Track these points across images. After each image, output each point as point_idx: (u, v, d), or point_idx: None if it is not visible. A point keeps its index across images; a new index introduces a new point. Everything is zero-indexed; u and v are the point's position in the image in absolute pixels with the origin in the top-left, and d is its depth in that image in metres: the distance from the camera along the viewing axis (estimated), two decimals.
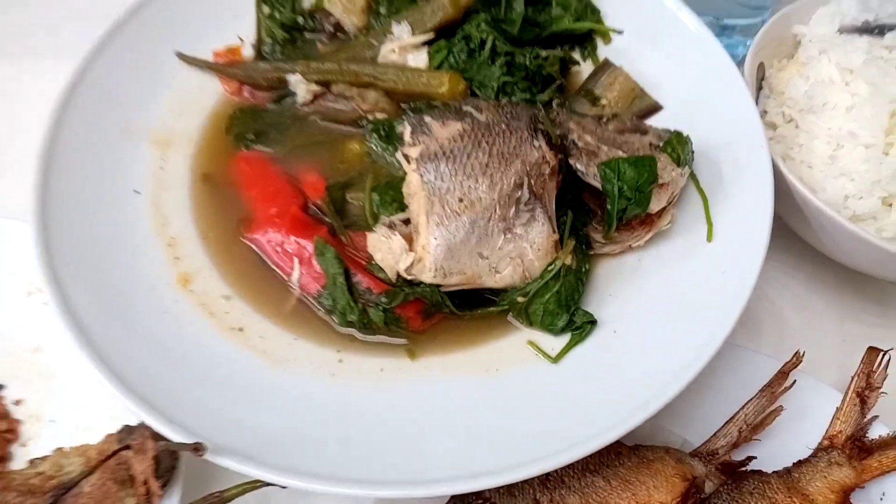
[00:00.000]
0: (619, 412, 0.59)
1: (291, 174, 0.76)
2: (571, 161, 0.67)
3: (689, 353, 0.61)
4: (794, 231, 0.80)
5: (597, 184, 0.66)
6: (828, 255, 0.78)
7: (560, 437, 0.58)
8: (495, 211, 0.64)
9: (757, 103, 0.83)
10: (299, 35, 0.86)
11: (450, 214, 0.63)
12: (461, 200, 0.63)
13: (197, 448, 0.54)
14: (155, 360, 0.61)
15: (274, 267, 0.70)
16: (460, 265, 0.63)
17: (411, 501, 0.65)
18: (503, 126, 0.67)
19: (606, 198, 0.66)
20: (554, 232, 0.65)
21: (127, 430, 0.62)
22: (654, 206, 0.67)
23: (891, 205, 0.72)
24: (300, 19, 0.87)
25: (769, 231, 0.66)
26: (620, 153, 0.67)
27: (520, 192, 0.64)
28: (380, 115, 0.80)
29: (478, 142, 0.66)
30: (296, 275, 0.68)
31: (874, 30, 0.78)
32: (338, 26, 0.87)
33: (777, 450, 0.70)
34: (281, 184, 0.74)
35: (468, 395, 0.63)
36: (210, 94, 0.82)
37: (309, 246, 0.68)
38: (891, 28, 0.77)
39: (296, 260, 0.69)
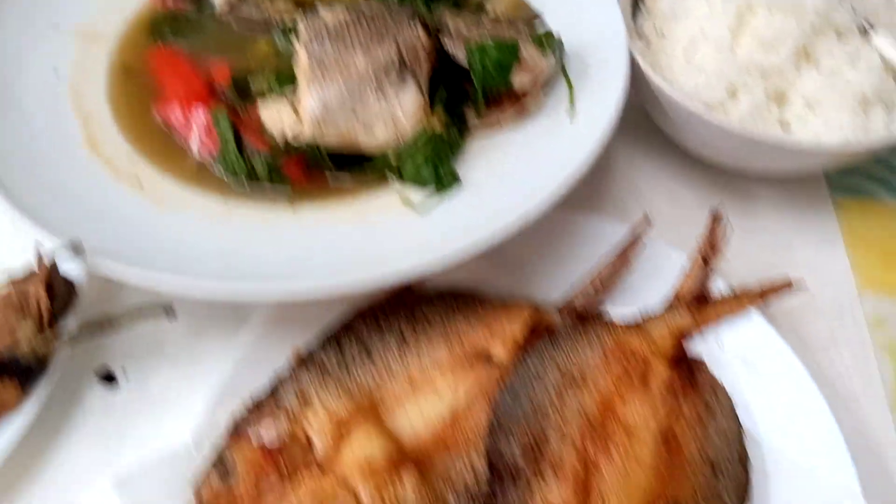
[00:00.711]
0: (463, 249, 0.66)
1: (203, 65, 0.84)
2: (443, 42, 0.76)
3: (531, 205, 0.69)
4: (670, 138, 0.88)
5: (464, 62, 0.75)
6: (694, 155, 0.87)
7: (416, 259, 0.65)
8: (370, 77, 0.72)
9: (635, 22, 0.92)
10: None
11: (327, 80, 0.71)
12: (337, 68, 0.72)
13: (76, 248, 0.61)
14: (57, 197, 0.69)
15: (179, 137, 0.78)
16: (335, 122, 0.71)
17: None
18: (386, 15, 0.76)
19: (472, 74, 0.75)
20: (423, 98, 0.74)
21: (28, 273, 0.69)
22: (517, 83, 0.75)
23: (735, 94, 0.81)
24: None
25: (618, 111, 0.75)
26: (488, 38, 0.76)
27: (395, 61, 0.72)
28: (288, 20, 0.88)
29: (360, 23, 0.75)
30: (195, 140, 0.76)
31: None
32: None
33: (628, 306, 0.77)
34: (191, 69, 0.82)
35: (341, 240, 0.71)
36: (133, 2, 0.91)
37: (208, 116, 0.76)
38: None
39: (195, 127, 0.76)
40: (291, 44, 0.84)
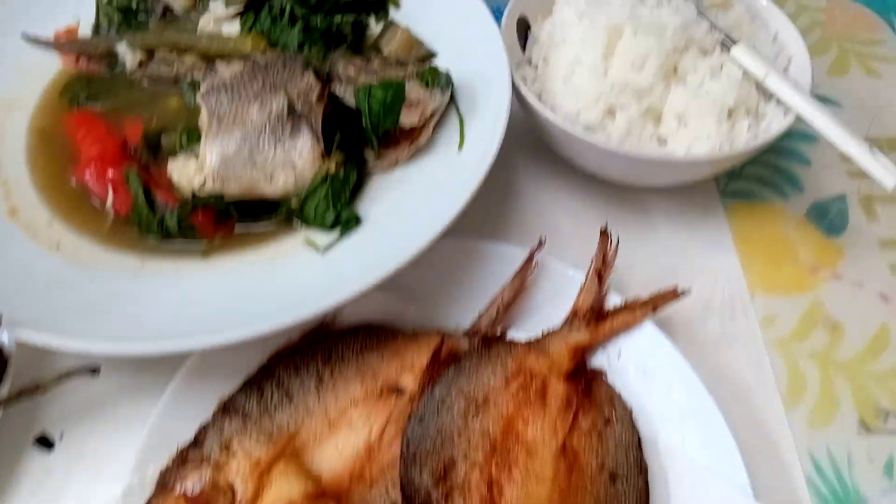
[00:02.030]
0: (360, 283, 0.71)
1: (117, 125, 0.88)
2: (333, 87, 0.81)
3: (424, 236, 0.73)
4: (563, 159, 0.94)
5: (352, 103, 0.80)
6: (587, 173, 0.92)
7: (322, 297, 0.70)
8: (265, 127, 0.77)
9: (525, 51, 0.98)
10: (133, 18, 1.00)
11: (224, 132, 0.76)
12: (234, 120, 0.77)
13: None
14: None
15: (95, 198, 0.82)
16: (236, 173, 0.76)
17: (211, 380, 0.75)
18: (279, 64, 0.81)
19: (362, 116, 0.80)
20: (319, 144, 0.78)
21: None
22: (405, 121, 0.80)
23: (613, 114, 0.87)
24: (134, 3, 1.00)
25: (499, 140, 0.79)
26: (376, 80, 0.81)
27: (285, 111, 0.77)
28: (197, 75, 0.93)
29: (254, 75, 0.80)
30: (109, 199, 0.80)
31: None
32: (167, 8, 1.00)
33: (535, 329, 0.81)
34: (105, 132, 0.86)
35: (252, 286, 0.75)
36: (51, 66, 0.95)
37: (120, 175, 0.81)
38: None
39: (110, 186, 0.81)
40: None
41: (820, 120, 0.81)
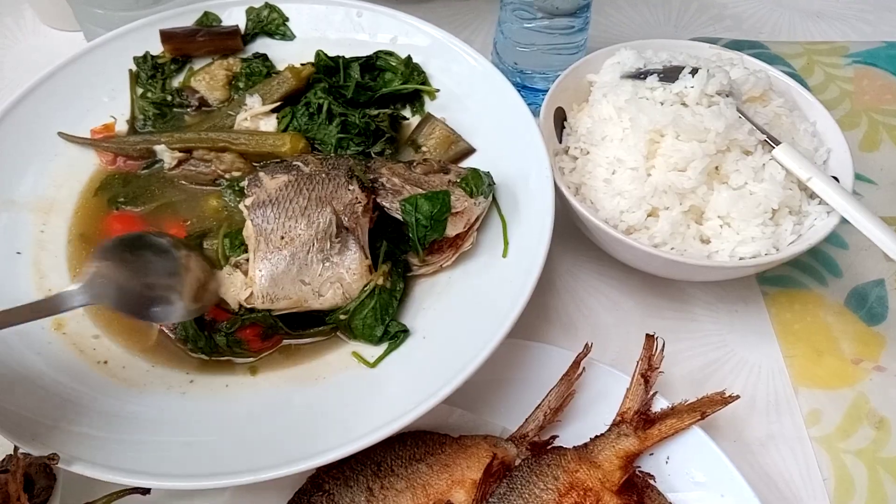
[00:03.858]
0: (418, 400, 0.71)
1: (157, 228, 0.88)
2: (379, 200, 0.81)
3: (477, 348, 0.73)
4: (603, 251, 0.94)
5: (399, 216, 0.80)
6: (623, 262, 0.92)
7: (372, 423, 0.70)
8: (313, 244, 0.77)
9: (560, 141, 0.98)
10: (168, 110, 1.00)
11: (272, 250, 0.76)
12: (282, 238, 0.77)
13: (51, 458, 0.65)
14: (23, 390, 0.72)
15: None
16: (285, 291, 0.76)
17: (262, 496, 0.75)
18: (323, 175, 0.81)
19: (408, 229, 0.80)
20: (366, 258, 0.78)
21: (7, 459, 0.73)
22: (451, 231, 0.81)
23: (657, 216, 0.87)
24: (169, 97, 1.01)
25: (546, 247, 0.79)
26: (420, 190, 0.81)
27: (334, 228, 0.77)
28: (236, 174, 0.93)
29: (299, 189, 0.79)
30: None
31: (642, 75, 0.94)
32: (202, 100, 1.01)
33: (581, 430, 0.82)
34: None
35: (300, 401, 0.75)
36: (88, 165, 0.95)
37: None
38: (652, 73, 0.93)
39: None
40: (240, 200, 0.89)
41: (866, 224, 0.80)
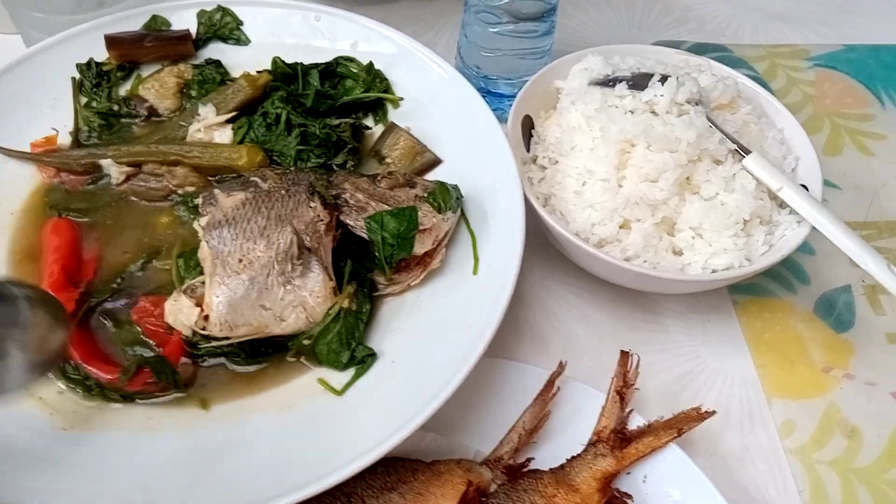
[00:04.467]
0: (389, 431, 0.67)
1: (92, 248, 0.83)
2: (342, 217, 0.77)
3: (450, 371, 0.70)
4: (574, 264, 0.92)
5: (364, 235, 0.76)
6: (595, 275, 0.90)
7: (342, 456, 0.66)
8: (273, 267, 0.72)
9: (529, 150, 0.96)
10: (116, 121, 0.94)
11: (230, 274, 0.72)
12: (240, 261, 0.72)
13: None
14: None
15: None
16: (244, 317, 0.72)
17: None
18: (282, 192, 0.77)
19: (375, 248, 0.76)
20: (330, 279, 0.74)
21: None
22: (419, 249, 0.77)
23: (629, 228, 0.85)
24: (115, 107, 0.95)
25: (518, 263, 0.77)
26: (386, 207, 0.77)
27: (295, 249, 0.73)
28: (189, 189, 0.88)
29: (258, 208, 0.75)
30: None
31: (610, 82, 0.92)
32: (151, 109, 0.95)
33: (556, 450, 0.79)
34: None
35: (262, 432, 0.71)
36: (29, 181, 0.88)
37: None
38: (620, 80, 0.91)
39: None
40: (194, 218, 0.84)
41: (836, 234, 0.80)
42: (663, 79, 0.88)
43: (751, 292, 0.98)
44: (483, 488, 0.75)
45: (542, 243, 0.95)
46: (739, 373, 0.91)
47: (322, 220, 0.75)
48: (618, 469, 0.78)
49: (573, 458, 0.78)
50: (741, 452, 0.85)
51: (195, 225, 0.78)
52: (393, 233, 0.75)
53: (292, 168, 0.85)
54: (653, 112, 0.88)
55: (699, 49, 1.26)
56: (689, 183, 0.85)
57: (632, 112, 0.87)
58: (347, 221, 0.77)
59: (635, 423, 0.81)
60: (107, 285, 0.80)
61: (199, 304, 0.73)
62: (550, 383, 0.81)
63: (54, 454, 0.68)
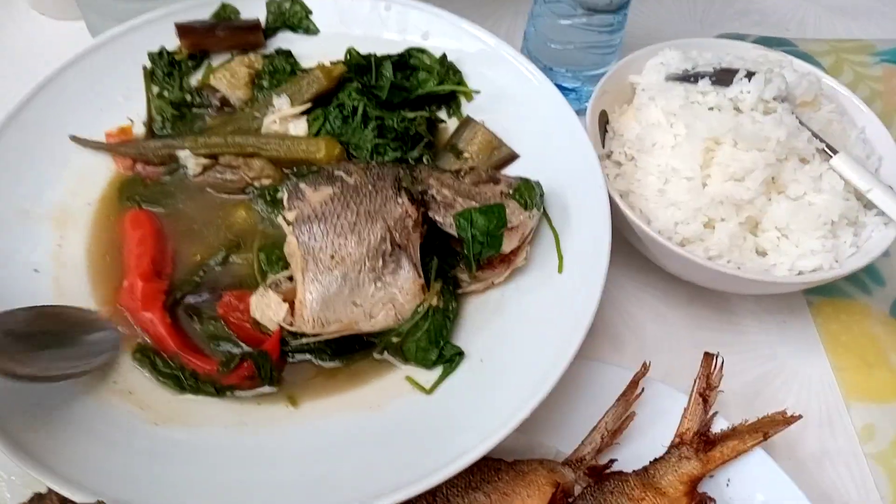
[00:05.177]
0: (485, 431, 0.67)
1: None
2: (430, 214, 0.76)
3: (543, 371, 0.70)
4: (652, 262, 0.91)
5: (453, 232, 0.75)
6: (674, 274, 0.89)
7: (435, 458, 0.66)
8: (364, 263, 0.72)
9: (604, 145, 0.94)
10: (188, 111, 0.94)
11: (323, 270, 0.71)
12: (332, 257, 0.71)
13: None
14: (55, 427, 0.66)
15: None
16: (336, 314, 0.71)
17: None
18: (370, 187, 0.76)
19: (463, 243, 0.75)
20: (419, 277, 0.74)
21: (37, 498, 0.67)
22: (507, 247, 0.76)
23: (713, 227, 0.83)
24: (188, 96, 0.94)
25: (607, 261, 0.76)
26: (474, 203, 0.76)
27: (385, 245, 0.72)
28: (266, 182, 0.87)
29: (346, 203, 0.74)
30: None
31: (691, 77, 0.90)
32: (224, 100, 0.94)
33: (638, 451, 0.79)
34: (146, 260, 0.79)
35: (353, 431, 0.70)
36: (105, 171, 0.88)
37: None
38: (703, 76, 0.89)
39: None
40: (273, 212, 0.84)
41: None
42: (749, 75, 0.86)
43: (825, 293, 0.96)
44: (567, 489, 0.75)
45: (613, 240, 0.94)
46: (817, 375, 0.90)
47: (410, 217, 0.74)
48: (703, 472, 0.77)
49: (657, 460, 0.78)
50: (820, 456, 0.84)
51: (280, 220, 0.77)
52: (482, 230, 0.74)
53: (374, 162, 0.84)
54: (737, 109, 0.86)
55: (764, 43, 1.23)
56: (775, 182, 0.84)
57: (716, 108, 0.86)
58: (436, 218, 0.76)
59: (718, 425, 0.80)
60: (188, 279, 0.80)
61: (286, 300, 0.73)
62: (634, 383, 0.80)
63: (149, 449, 0.67)
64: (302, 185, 0.76)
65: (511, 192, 0.79)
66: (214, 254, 0.82)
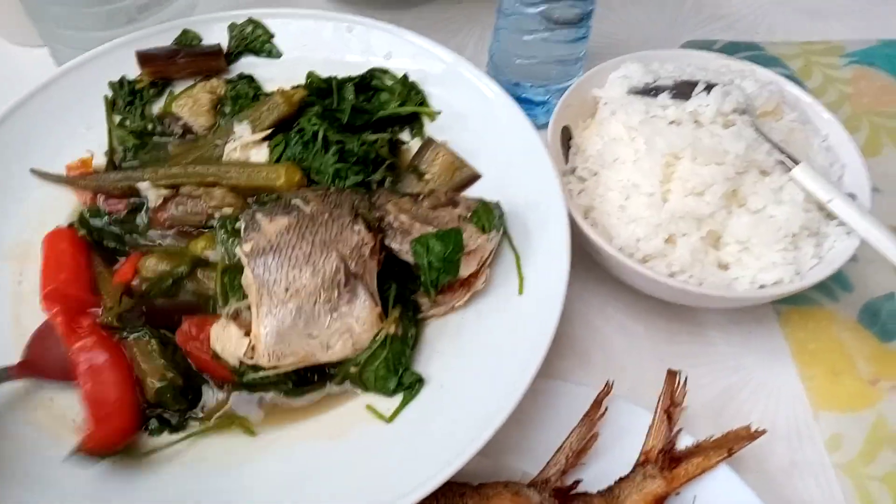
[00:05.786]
0: (447, 457, 0.67)
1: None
2: (387, 241, 0.76)
3: (503, 395, 0.70)
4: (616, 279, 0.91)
5: (410, 259, 0.75)
6: (637, 290, 0.89)
7: (395, 487, 0.66)
8: (320, 295, 0.72)
9: (567, 161, 0.94)
10: (150, 139, 0.94)
11: (277, 303, 0.71)
12: (287, 290, 0.72)
13: None
14: None
15: None
16: (292, 347, 0.71)
17: None
18: (326, 216, 0.76)
19: (420, 272, 0.75)
20: (377, 305, 0.74)
21: None
22: (465, 272, 0.76)
23: (675, 242, 0.83)
24: (150, 125, 0.94)
25: (566, 283, 0.76)
26: (431, 228, 0.76)
27: (340, 276, 0.72)
28: (228, 210, 0.87)
29: (302, 234, 0.74)
30: None
31: (652, 91, 0.90)
32: (186, 127, 0.94)
33: (605, 470, 0.79)
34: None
35: (314, 461, 0.70)
36: (65, 205, 0.88)
37: None
38: (663, 90, 0.89)
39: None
40: (234, 241, 0.84)
41: (889, 248, 0.78)
42: (708, 87, 0.86)
43: (793, 301, 0.96)
44: None
45: (578, 256, 0.94)
46: (784, 385, 0.90)
47: (367, 244, 0.75)
48: (668, 491, 0.77)
49: (622, 479, 0.78)
50: (789, 468, 0.84)
51: (237, 251, 0.77)
52: (439, 256, 0.74)
53: (332, 188, 0.84)
54: (696, 122, 0.86)
55: (732, 48, 1.23)
56: (736, 195, 0.84)
57: (675, 123, 0.86)
58: (392, 245, 0.76)
59: (683, 442, 0.80)
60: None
61: (247, 333, 0.73)
62: (598, 403, 0.80)
63: (102, 492, 0.68)
64: (258, 216, 0.77)
65: (468, 215, 0.79)
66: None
